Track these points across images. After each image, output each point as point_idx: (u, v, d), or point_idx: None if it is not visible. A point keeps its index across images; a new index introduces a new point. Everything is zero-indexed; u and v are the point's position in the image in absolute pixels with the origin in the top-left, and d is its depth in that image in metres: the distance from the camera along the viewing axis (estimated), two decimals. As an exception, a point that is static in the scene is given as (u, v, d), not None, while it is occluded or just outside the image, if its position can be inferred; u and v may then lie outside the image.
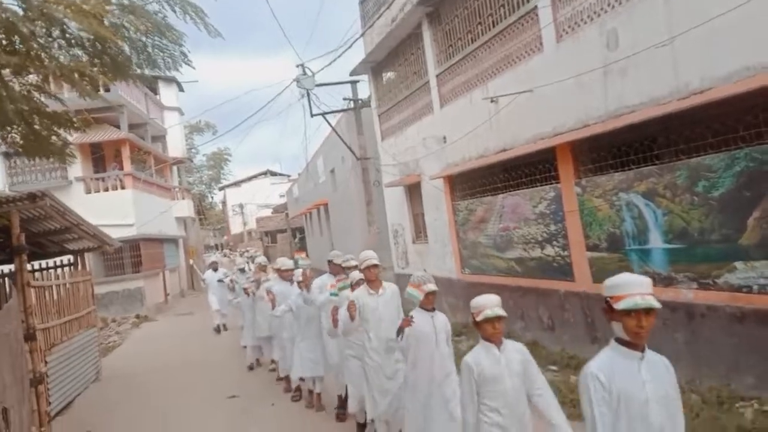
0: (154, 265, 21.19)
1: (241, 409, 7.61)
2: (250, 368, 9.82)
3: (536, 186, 8.18)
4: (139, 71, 6.16)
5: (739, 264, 5.34)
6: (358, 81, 14.93)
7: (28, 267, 7.68)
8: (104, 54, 5.24)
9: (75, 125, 6.93)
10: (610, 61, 6.51)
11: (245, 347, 10.18)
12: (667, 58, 5.82)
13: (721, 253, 5.49)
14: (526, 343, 7.81)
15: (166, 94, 28.45)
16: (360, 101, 15.06)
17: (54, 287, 9.11)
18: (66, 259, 10.50)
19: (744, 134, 5.24)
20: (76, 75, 5.29)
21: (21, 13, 4.34)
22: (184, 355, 12.03)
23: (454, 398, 4.18)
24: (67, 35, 4.90)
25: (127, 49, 5.43)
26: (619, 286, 2.50)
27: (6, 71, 5.22)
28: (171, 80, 27.63)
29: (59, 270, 9.99)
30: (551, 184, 7.82)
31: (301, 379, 7.32)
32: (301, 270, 7.05)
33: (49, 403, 7.64)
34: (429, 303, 4.45)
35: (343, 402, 6.51)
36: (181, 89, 30.00)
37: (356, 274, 5.61)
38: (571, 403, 5.88)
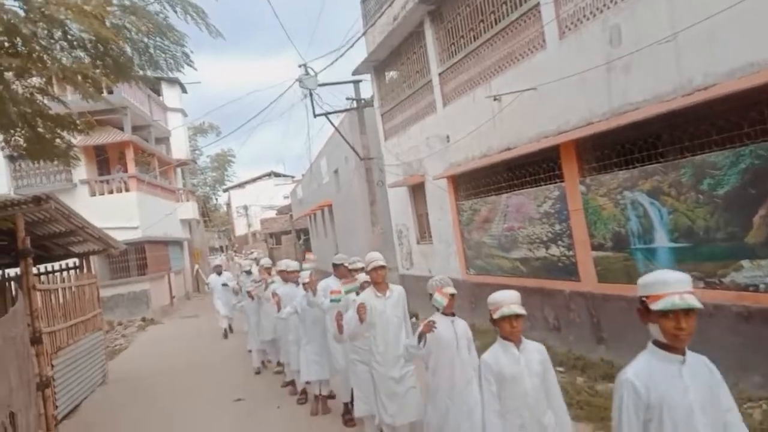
0: (160, 267, 21.24)
1: (246, 412, 7.60)
2: (257, 372, 9.79)
3: (540, 185, 8.15)
4: (141, 72, 6.16)
5: (745, 262, 5.30)
6: (360, 80, 14.90)
7: (34, 270, 7.70)
8: (106, 55, 5.24)
9: (78, 128, 6.94)
10: (614, 58, 6.48)
11: (251, 351, 10.17)
12: (670, 54, 5.78)
13: (727, 252, 5.45)
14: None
15: (169, 96, 28.51)
16: (363, 101, 15.03)
17: (60, 290, 9.13)
18: (71, 262, 10.53)
19: (749, 131, 5.21)
20: (79, 77, 5.30)
21: (22, 14, 4.35)
22: (190, 357, 12.04)
23: (477, 407, 4.00)
24: (69, 37, 4.90)
25: (128, 50, 5.43)
26: (655, 285, 2.30)
27: (9, 74, 5.23)
28: (174, 81, 27.69)
29: (65, 273, 10.01)
30: (555, 183, 7.79)
31: (307, 383, 7.30)
32: (308, 272, 7.01)
33: (56, 406, 7.66)
34: (449, 307, 4.31)
35: (349, 408, 6.48)
36: (184, 90, 30.07)
37: (363, 276, 5.55)
38: (578, 405, 5.87)
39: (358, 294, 5.35)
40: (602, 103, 6.73)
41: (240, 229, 60.34)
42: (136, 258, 19.60)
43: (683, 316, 2.21)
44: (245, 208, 56.21)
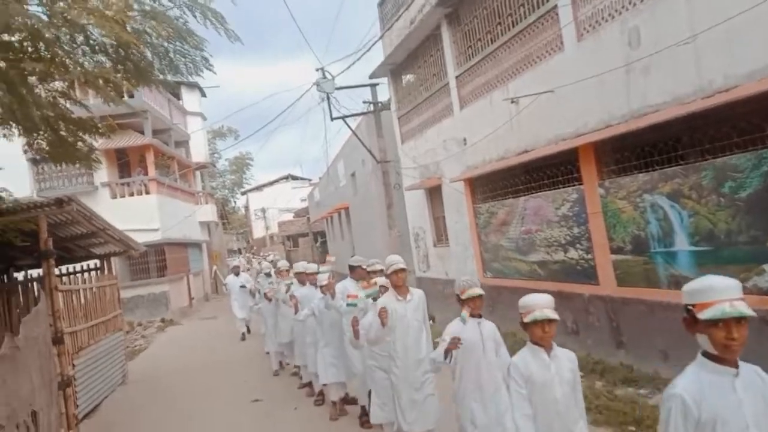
0: (179, 269, 21.45)
1: (264, 413, 7.64)
2: (275, 374, 9.83)
3: (558, 188, 8.09)
4: (161, 77, 6.23)
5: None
6: (377, 84, 14.95)
7: (56, 271, 7.81)
8: (127, 60, 5.31)
9: (100, 131, 7.04)
10: (633, 60, 6.42)
11: (268, 353, 10.21)
12: (690, 56, 5.72)
13: (749, 256, 5.37)
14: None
15: (189, 100, 28.81)
16: (380, 104, 15.07)
17: (81, 291, 9.27)
18: (92, 263, 10.68)
19: (772, 133, 5.13)
20: (101, 81, 5.38)
21: (46, 19, 4.43)
22: (208, 358, 12.14)
23: (508, 413, 3.86)
24: (91, 42, 4.98)
25: (149, 54, 5.50)
26: (703, 292, 2.15)
27: (32, 78, 5.33)
28: (193, 86, 27.98)
29: (86, 274, 10.15)
30: (574, 185, 7.73)
31: (324, 385, 7.31)
32: (326, 275, 7.02)
33: (77, 405, 7.76)
34: (476, 308, 4.21)
35: (366, 411, 6.47)
36: (203, 94, 30.37)
37: (381, 280, 5.49)
38: (597, 410, 5.82)
39: (375, 300, 5.26)
40: (621, 105, 6.68)
41: (258, 231, 60.72)
42: (155, 260, 19.83)
43: (734, 325, 2.05)
44: (263, 210, 56.56)
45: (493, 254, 10.11)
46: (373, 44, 13.36)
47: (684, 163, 6.04)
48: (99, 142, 8.65)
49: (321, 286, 6.90)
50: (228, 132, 49.21)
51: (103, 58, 5.50)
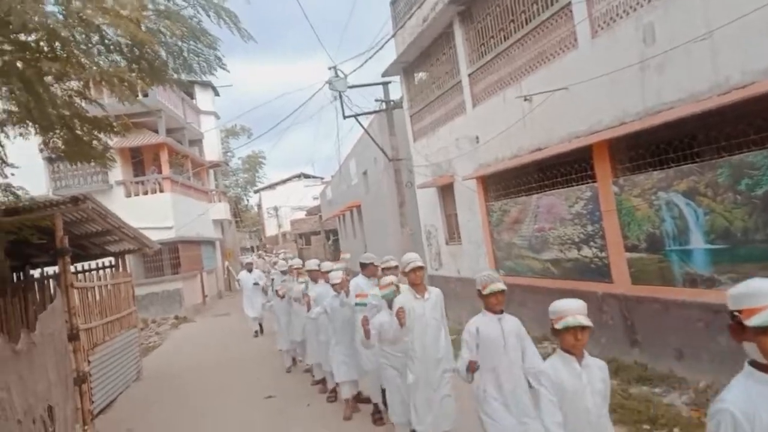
0: (193, 266, 21.60)
1: (277, 410, 7.68)
2: (288, 371, 9.86)
3: (572, 186, 8.04)
4: (175, 76, 6.27)
5: (785, 264, 5.15)
6: (389, 82, 14.93)
7: (72, 269, 7.91)
8: (142, 59, 5.35)
9: (115, 130, 7.10)
10: (647, 57, 6.36)
11: (281, 350, 10.23)
12: (705, 52, 5.66)
13: (766, 254, 5.30)
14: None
15: (203, 99, 29.00)
16: (392, 102, 15.05)
17: (96, 288, 9.36)
18: (107, 261, 10.78)
19: (790, 130, 5.06)
20: (116, 80, 5.43)
21: (62, 18, 4.47)
22: (222, 355, 12.22)
23: (536, 422, 3.78)
24: (106, 41, 5.02)
25: (163, 53, 5.53)
26: (751, 296, 1.94)
27: (48, 78, 5.38)
28: (207, 85, 28.16)
29: (101, 271, 10.26)
30: (587, 183, 7.68)
31: (336, 384, 7.32)
32: (339, 273, 7.03)
33: (92, 401, 7.85)
34: (498, 304, 4.09)
35: (378, 408, 6.47)
36: (216, 93, 30.55)
37: (390, 278, 5.42)
38: (611, 408, 5.73)
39: (392, 300, 5.16)
40: (636, 103, 6.62)
41: (270, 229, 60.92)
42: (169, 257, 19.99)
43: None
44: (275, 209, 56.76)
45: (506, 252, 10.08)
46: (386, 42, 13.36)
47: (699, 160, 5.98)
48: (114, 141, 8.72)
49: (333, 284, 6.92)
50: (241, 131, 49.45)
51: (118, 58, 5.53)
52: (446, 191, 12.65)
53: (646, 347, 6.94)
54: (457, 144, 11.49)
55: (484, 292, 4.10)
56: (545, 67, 8.41)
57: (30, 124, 6.21)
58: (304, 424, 6.97)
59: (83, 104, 6.70)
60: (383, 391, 5.93)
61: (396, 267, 6.21)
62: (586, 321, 3.09)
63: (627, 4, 6.72)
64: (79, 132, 6.50)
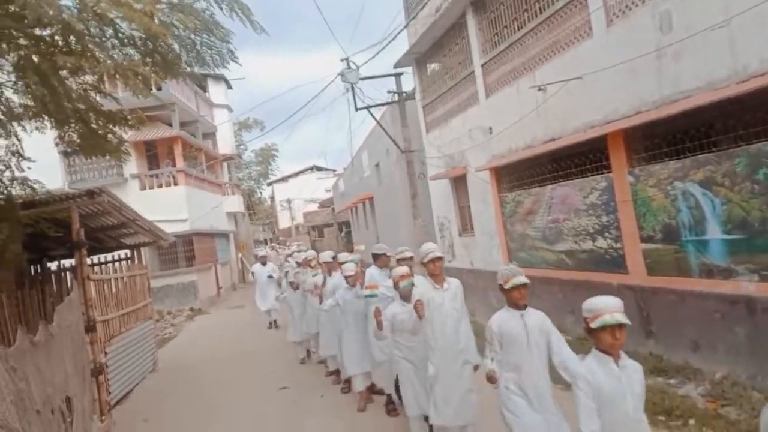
0: (207, 259, 21.75)
1: (291, 401, 7.73)
2: (302, 362, 9.91)
3: (587, 176, 7.98)
4: (188, 69, 6.27)
5: (805, 254, 5.08)
6: (402, 73, 14.88)
7: (88, 261, 7.99)
8: (155, 52, 5.35)
9: (130, 123, 7.13)
10: (664, 45, 6.27)
11: (294, 342, 10.24)
12: (723, 40, 5.57)
13: (785, 243, 5.24)
14: (577, 338, 7.69)
15: (215, 92, 29.10)
16: (404, 94, 15.00)
17: (112, 281, 9.46)
18: (123, 253, 10.88)
19: (810, 118, 4.97)
20: (130, 73, 5.45)
21: (76, 12, 4.49)
22: (236, 347, 12.31)
23: (563, 426, 3.76)
24: (120, 35, 5.04)
25: (176, 47, 5.54)
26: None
27: (63, 72, 5.42)
28: (219, 78, 28.26)
29: (117, 264, 10.35)
30: (602, 173, 7.61)
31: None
32: (352, 265, 7.03)
33: (109, 392, 7.95)
34: (521, 298, 3.89)
35: (391, 399, 6.48)
36: (229, 86, 30.64)
37: (400, 270, 5.36)
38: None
39: (409, 293, 5.12)
40: (652, 92, 6.54)
41: (283, 222, 61.19)
42: (184, 250, 20.15)
43: None
44: (288, 201, 56.98)
45: (519, 243, 10.03)
46: (398, 33, 13.29)
47: (717, 150, 5.90)
48: (128, 134, 8.77)
49: (346, 276, 6.93)
50: (254, 123, 49.61)
51: (132, 51, 5.55)
52: (459, 182, 12.60)
53: (662, 338, 6.89)
54: (470, 135, 11.44)
55: (506, 287, 3.93)
56: (559, 57, 8.33)
57: (46, 117, 6.25)
58: (318, 415, 7.01)
59: (98, 98, 6.74)
60: (397, 384, 5.90)
61: (411, 258, 6.19)
62: (624, 318, 2.95)
63: (643, -8, 6.63)
64: (94, 125, 6.54)
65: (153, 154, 21.99)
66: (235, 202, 27.98)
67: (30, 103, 6.12)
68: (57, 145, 14.99)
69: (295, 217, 57.14)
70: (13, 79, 5.82)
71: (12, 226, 6.20)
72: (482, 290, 10.96)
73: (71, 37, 4.82)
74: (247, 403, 7.96)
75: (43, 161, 8.12)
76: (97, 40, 5.01)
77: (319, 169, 56.66)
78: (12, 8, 4.39)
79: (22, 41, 5.00)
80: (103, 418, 7.36)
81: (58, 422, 5.51)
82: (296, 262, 10.94)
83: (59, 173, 19.28)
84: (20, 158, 6.39)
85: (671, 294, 6.60)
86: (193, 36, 5.55)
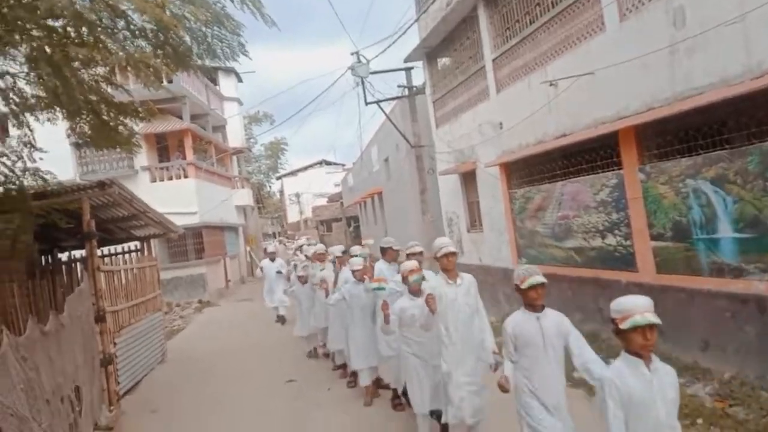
0: (216, 252, 21.85)
1: (298, 394, 7.76)
2: (309, 356, 9.90)
3: (597, 172, 7.93)
4: (199, 62, 6.29)
5: (817, 254, 5.03)
6: (412, 68, 14.84)
7: (98, 252, 8.04)
8: (166, 44, 5.37)
9: (140, 115, 7.17)
10: (677, 41, 6.21)
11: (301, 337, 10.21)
12: (737, 36, 5.50)
13: (798, 242, 5.18)
14: (585, 335, 7.64)
15: (226, 85, 29.14)
16: (414, 88, 14.96)
17: (122, 272, 9.52)
18: (133, 245, 10.94)
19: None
20: (142, 65, 5.47)
21: (88, 3, 4.52)
22: (244, 339, 12.38)
23: (570, 420, 3.72)
24: (132, 26, 5.06)
25: (187, 39, 5.55)
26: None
27: (75, 63, 5.45)
28: (230, 71, 28.29)
29: (127, 255, 10.41)
30: (613, 170, 7.56)
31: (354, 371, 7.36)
32: (360, 259, 7.02)
33: (118, 382, 8.01)
34: (538, 298, 3.77)
35: (398, 393, 6.48)
36: (239, 80, 30.67)
37: (409, 264, 5.33)
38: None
39: (419, 286, 5.10)
40: (664, 88, 6.48)
41: (292, 215, 61.32)
42: (193, 242, 20.25)
43: None
44: (297, 195, 57.08)
45: (529, 240, 10.00)
46: (409, 27, 13.24)
47: (729, 147, 5.84)
48: (139, 127, 8.81)
49: (354, 271, 6.92)
50: (264, 117, 49.72)
51: (143, 43, 5.57)
52: (468, 178, 12.57)
53: (671, 337, 6.85)
54: (480, 130, 11.40)
55: (523, 286, 3.80)
56: (571, 52, 8.27)
57: (58, 109, 6.30)
58: (325, 408, 7.03)
59: (109, 90, 6.77)
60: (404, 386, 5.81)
61: (421, 253, 6.18)
62: (655, 318, 2.81)
63: (656, -13, 6.56)
64: (105, 117, 6.58)
65: (163, 147, 22.08)
66: (244, 196, 28.06)
67: (42, 94, 6.16)
68: (68, 136, 15.06)
69: (303, 211, 57.25)
70: (26, 70, 5.86)
71: (24, 216, 6.26)
72: (490, 286, 10.94)
73: (83, 29, 4.85)
74: (254, 395, 8.00)
75: (54, 152, 8.18)
76: (109, 31, 5.03)
77: (329, 163, 56.72)
78: (25, -1, 4.43)
79: (34, 32, 5.03)
80: (112, 408, 7.43)
81: (68, 411, 5.56)
82: (305, 256, 10.93)
83: (71, 165, 19.40)
84: (32, 149, 6.44)
85: (681, 292, 6.55)
86: (204, 28, 5.56)
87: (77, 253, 9.15)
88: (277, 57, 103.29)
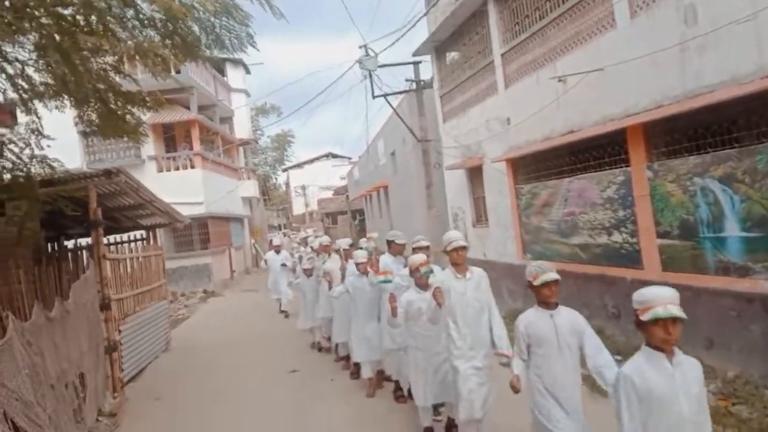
0: (221, 242, 21.91)
1: (301, 384, 7.79)
2: (313, 347, 9.90)
3: (604, 169, 7.90)
4: (207, 52, 6.28)
5: (825, 254, 4.99)
6: (420, 62, 14.78)
7: (104, 240, 8.08)
8: (175, 34, 5.37)
9: (148, 105, 7.17)
10: (688, 38, 6.17)
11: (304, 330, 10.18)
12: (749, 34, 5.46)
13: (806, 243, 5.15)
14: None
15: (233, 76, 29.14)
16: (422, 82, 14.92)
17: (128, 260, 9.56)
18: (139, 234, 10.99)
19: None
20: (150, 55, 5.48)
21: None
22: (248, 329, 12.43)
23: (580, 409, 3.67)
24: (141, 15, 5.06)
25: (196, 29, 5.55)
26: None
27: (84, 52, 5.45)
28: (238, 62, 28.28)
29: (133, 244, 10.45)
30: (621, 167, 7.53)
31: (356, 364, 7.37)
32: (364, 252, 7.02)
33: (122, 369, 8.06)
34: (551, 296, 3.69)
35: (400, 386, 6.49)
36: (247, 71, 30.66)
37: (418, 258, 5.31)
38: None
39: (427, 280, 5.09)
40: (674, 86, 6.44)
41: (298, 208, 61.41)
42: (199, 233, 20.32)
43: None
44: (303, 188, 57.12)
45: (534, 236, 9.98)
46: (418, 21, 13.18)
47: (738, 146, 5.81)
48: (147, 116, 8.82)
49: (357, 264, 6.92)
50: (271, 109, 49.65)
51: (152, 33, 5.56)
52: (475, 173, 12.54)
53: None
54: (487, 125, 11.36)
55: (536, 283, 3.72)
56: (581, 48, 8.23)
57: (66, 96, 6.30)
58: (328, 399, 7.06)
59: (117, 78, 6.78)
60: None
61: (427, 247, 6.17)
62: (679, 312, 2.66)
63: (668, -17, 6.50)
64: (113, 106, 6.59)
65: (170, 137, 22.12)
66: (250, 187, 28.11)
67: (50, 81, 6.17)
68: (76, 124, 15.11)
69: (309, 203, 57.31)
70: (35, 57, 5.86)
71: (31, 203, 6.29)
72: (495, 282, 10.89)
73: (93, 16, 4.85)
74: (257, 385, 8.03)
75: (62, 140, 8.19)
76: (118, 20, 5.03)
77: (335, 156, 56.70)
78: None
79: (44, 20, 5.03)
80: (116, 394, 7.48)
81: (72, 397, 5.61)
82: (311, 248, 10.92)
83: (78, 153, 19.45)
84: (40, 136, 6.45)
85: (686, 291, 6.51)
86: (212, 18, 5.55)
87: (83, 241, 9.18)
88: (285, 49, 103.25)
